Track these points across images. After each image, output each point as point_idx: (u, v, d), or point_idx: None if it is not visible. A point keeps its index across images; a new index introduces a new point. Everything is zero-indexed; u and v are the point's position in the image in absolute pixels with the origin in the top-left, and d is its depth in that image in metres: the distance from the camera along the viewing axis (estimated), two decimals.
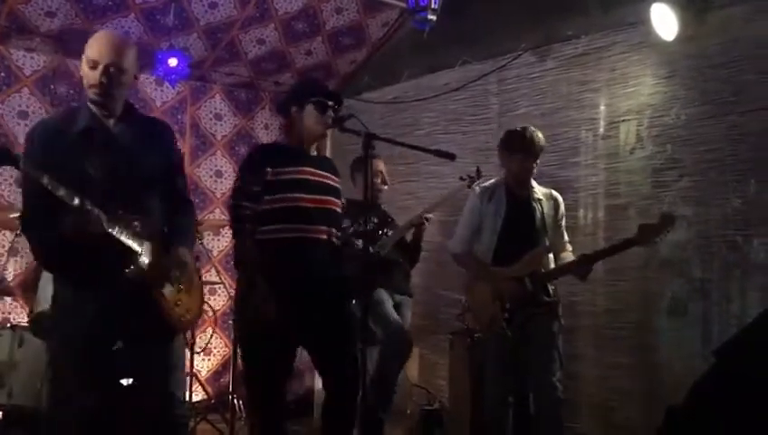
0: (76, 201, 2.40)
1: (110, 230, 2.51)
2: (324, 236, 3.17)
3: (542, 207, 3.80)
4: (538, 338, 3.65)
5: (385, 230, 4.41)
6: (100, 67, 2.60)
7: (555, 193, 3.92)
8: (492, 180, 3.91)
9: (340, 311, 3.18)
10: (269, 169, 3.09)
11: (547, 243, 3.78)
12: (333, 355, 3.16)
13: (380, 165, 4.47)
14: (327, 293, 3.14)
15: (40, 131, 2.65)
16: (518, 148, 3.73)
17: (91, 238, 2.46)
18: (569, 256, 3.84)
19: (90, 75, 2.62)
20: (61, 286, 2.69)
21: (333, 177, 3.30)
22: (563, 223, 3.93)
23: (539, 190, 3.85)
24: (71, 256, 2.53)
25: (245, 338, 3.25)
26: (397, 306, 4.34)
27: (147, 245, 2.63)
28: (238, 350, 5.07)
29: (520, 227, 3.74)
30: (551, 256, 3.81)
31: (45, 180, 2.38)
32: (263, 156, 3.25)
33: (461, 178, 4.47)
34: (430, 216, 4.44)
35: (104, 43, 2.65)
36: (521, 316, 3.63)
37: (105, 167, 2.60)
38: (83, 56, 2.66)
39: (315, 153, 3.33)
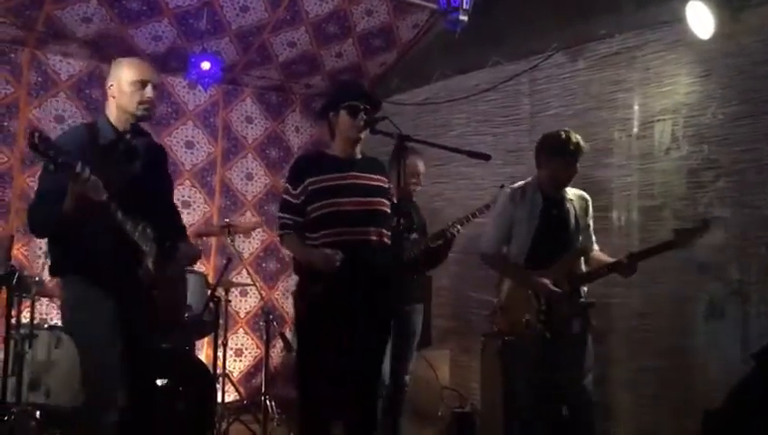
0: (78, 168, 2.49)
1: (119, 217, 2.67)
2: (374, 238, 3.18)
3: (574, 209, 3.77)
4: (571, 341, 3.63)
5: (407, 235, 4.37)
6: (149, 86, 2.87)
7: (585, 194, 3.88)
8: (522, 181, 3.85)
9: (382, 323, 3.19)
10: (310, 180, 3.16)
11: (579, 244, 3.76)
12: (358, 383, 3.18)
13: (420, 166, 4.41)
14: (376, 296, 3.14)
15: (70, 137, 2.82)
16: (560, 152, 3.66)
17: (92, 207, 2.55)
18: (599, 254, 3.82)
19: (138, 94, 2.85)
20: (74, 286, 2.82)
21: (381, 177, 3.30)
22: (591, 223, 3.89)
23: (570, 191, 3.81)
24: (84, 253, 2.71)
25: (299, 340, 3.30)
26: (407, 314, 4.30)
27: (153, 247, 2.83)
28: (271, 352, 5.15)
29: (554, 229, 3.69)
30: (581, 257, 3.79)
31: (79, 167, 2.48)
32: (303, 167, 3.28)
33: (501, 187, 4.38)
34: (460, 228, 4.36)
35: (147, 66, 2.95)
36: (556, 319, 3.60)
37: (126, 176, 2.83)
38: (120, 79, 2.87)
39: (360, 156, 3.31)
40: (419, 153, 4.30)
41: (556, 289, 3.60)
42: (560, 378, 3.65)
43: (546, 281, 3.61)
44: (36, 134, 2.40)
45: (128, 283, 2.78)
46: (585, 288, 3.73)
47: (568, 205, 3.75)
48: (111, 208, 2.66)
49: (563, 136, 3.68)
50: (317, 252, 3.10)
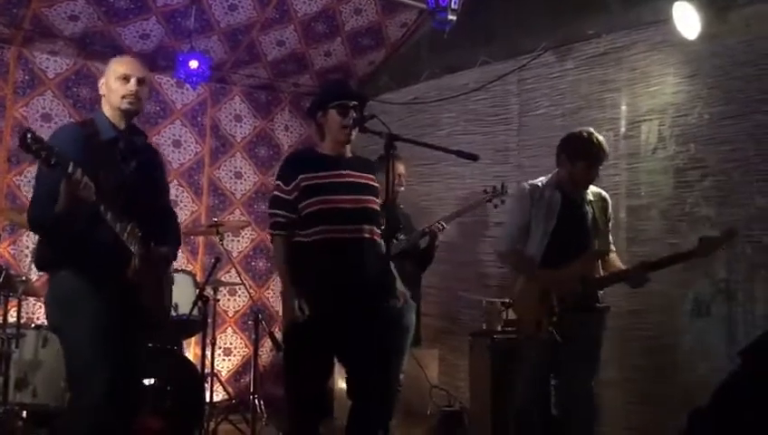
0: (70, 169, 2.53)
1: (108, 217, 2.70)
2: (366, 235, 3.18)
3: (593, 209, 3.63)
4: (582, 344, 3.51)
5: (397, 235, 4.40)
6: (133, 79, 2.91)
7: (605, 193, 3.75)
8: (542, 178, 3.70)
9: (380, 316, 3.17)
10: (303, 176, 3.16)
11: (596, 246, 3.64)
12: (366, 373, 3.14)
13: (400, 168, 4.46)
14: (368, 294, 3.14)
15: (66, 134, 2.83)
16: (584, 155, 3.51)
17: (83, 205, 2.60)
18: (614, 258, 3.70)
19: (122, 88, 2.90)
20: (63, 283, 2.82)
21: (370, 176, 3.30)
22: (610, 223, 3.78)
23: (590, 191, 3.67)
24: (77, 245, 2.73)
25: (285, 339, 3.29)
26: (399, 312, 4.31)
27: (141, 248, 2.85)
28: (260, 351, 5.15)
29: (572, 229, 3.57)
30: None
31: (71, 167, 2.52)
32: (295, 164, 3.27)
33: (484, 192, 4.50)
34: (445, 226, 4.42)
35: (131, 61, 3.01)
36: (568, 321, 3.47)
37: (123, 174, 2.86)
38: (108, 77, 2.93)
39: (351, 154, 3.31)
40: (399, 156, 4.32)
41: (569, 292, 3.48)
42: (565, 380, 3.58)
43: (560, 284, 3.50)
44: (29, 134, 2.41)
45: (116, 281, 2.79)
46: (601, 292, 3.63)
47: (587, 206, 3.63)
48: (101, 210, 2.68)
49: (586, 137, 3.55)
50: (291, 294, 3.08)
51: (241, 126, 6.36)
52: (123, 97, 2.89)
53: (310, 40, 5.85)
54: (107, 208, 2.70)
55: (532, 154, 5.08)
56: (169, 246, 3.07)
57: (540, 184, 3.65)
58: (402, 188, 4.54)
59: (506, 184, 4.60)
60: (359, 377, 3.17)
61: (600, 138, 3.57)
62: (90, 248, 2.74)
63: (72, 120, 5.37)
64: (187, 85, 5.74)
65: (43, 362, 4.15)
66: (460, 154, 2.98)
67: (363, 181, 3.25)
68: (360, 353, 3.14)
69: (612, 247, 3.75)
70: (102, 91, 2.97)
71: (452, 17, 4.52)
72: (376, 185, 3.32)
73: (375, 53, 6.16)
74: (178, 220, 3.29)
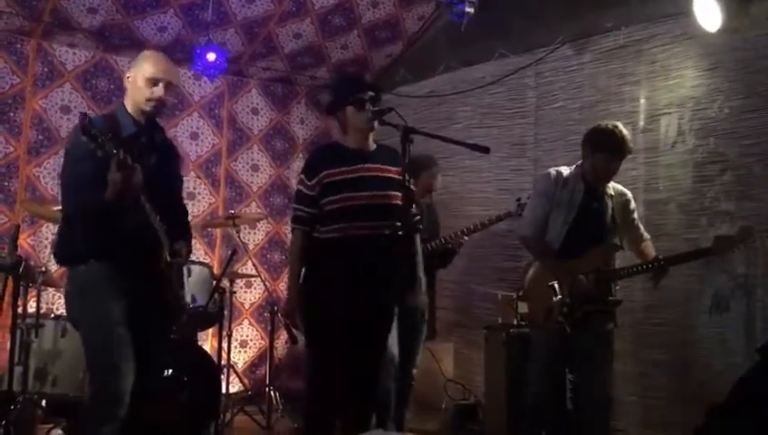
0: (121, 155, 2.52)
1: (147, 207, 2.72)
2: (387, 232, 3.16)
3: (613, 204, 3.64)
4: (593, 337, 3.53)
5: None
6: (161, 84, 2.86)
7: (625, 190, 3.76)
8: (567, 168, 3.68)
9: (390, 314, 3.22)
10: (325, 172, 3.18)
11: (618, 242, 3.66)
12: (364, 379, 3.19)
13: (437, 182, 4.43)
14: (381, 291, 3.18)
15: (95, 124, 2.78)
16: (604, 147, 3.51)
17: (130, 193, 2.60)
18: (648, 245, 3.71)
19: (148, 91, 2.85)
20: (88, 275, 2.79)
21: (395, 169, 3.24)
22: (636, 216, 3.77)
23: (611, 186, 3.67)
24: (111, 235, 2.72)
25: (305, 333, 3.33)
26: (413, 309, 4.30)
27: (167, 241, 2.87)
28: (276, 343, 5.17)
29: (590, 221, 3.59)
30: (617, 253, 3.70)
31: (109, 146, 2.49)
32: (318, 160, 3.30)
33: (518, 201, 4.35)
34: (467, 238, 4.37)
35: (164, 63, 2.93)
36: (579, 312, 3.49)
37: (144, 169, 2.79)
38: (136, 72, 2.87)
39: (375, 146, 3.31)
40: (438, 166, 4.32)
41: (583, 283, 3.49)
42: (576, 372, 3.58)
43: (573, 275, 3.50)
44: (88, 119, 2.43)
45: (141, 273, 2.79)
46: (617, 286, 3.63)
47: (607, 199, 3.64)
48: (142, 200, 2.69)
49: (610, 129, 3.53)
50: (297, 297, 3.22)
51: (257, 119, 6.38)
52: (148, 100, 2.86)
53: (327, 33, 5.85)
54: (146, 199, 2.71)
55: (548, 148, 5.06)
56: (184, 243, 3.08)
57: (565, 171, 3.66)
58: (430, 200, 4.48)
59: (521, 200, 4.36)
60: (357, 379, 3.19)
61: (625, 132, 3.53)
62: (118, 239, 2.73)
63: (90, 112, 5.42)
64: (205, 78, 5.76)
65: (62, 352, 4.19)
66: (471, 147, 2.97)
67: (387, 175, 3.24)
68: (364, 354, 3.17)
69: (646, 235, 3.75)
70: (127, 84, 2.92)
71: (469, 10, 4.51)
72: (399, 178, 3.29)
73: (392, 45, 6.15)
74: (188, 217, 3.28)
